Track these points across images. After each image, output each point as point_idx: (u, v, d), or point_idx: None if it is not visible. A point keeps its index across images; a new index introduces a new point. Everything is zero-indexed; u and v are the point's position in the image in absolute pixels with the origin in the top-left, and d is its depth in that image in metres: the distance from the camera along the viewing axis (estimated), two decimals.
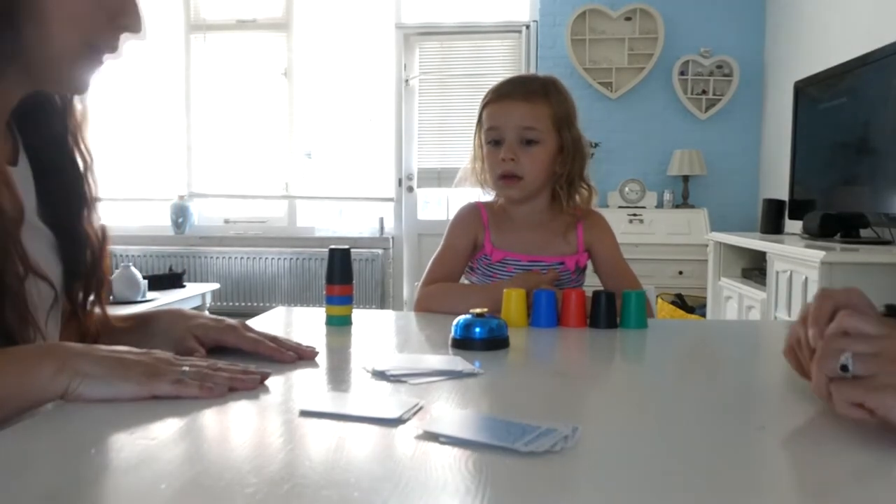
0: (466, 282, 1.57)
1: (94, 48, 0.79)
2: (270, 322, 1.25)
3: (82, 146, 0.91)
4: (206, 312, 3.43)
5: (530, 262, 1.50)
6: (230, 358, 0.89)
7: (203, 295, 4.40)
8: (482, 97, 1.56)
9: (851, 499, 0.55)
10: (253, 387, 0.79)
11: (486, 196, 1.60)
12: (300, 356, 0.95)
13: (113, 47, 0.81)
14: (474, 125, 1.57)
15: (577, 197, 1.55)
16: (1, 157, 0.79)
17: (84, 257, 0.91)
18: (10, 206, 0.76)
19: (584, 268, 1.56)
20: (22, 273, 0.77)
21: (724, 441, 0.67)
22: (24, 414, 0.70)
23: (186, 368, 0.77)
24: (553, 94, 1.53)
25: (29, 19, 0.74)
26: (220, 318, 1.00)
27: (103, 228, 0.94)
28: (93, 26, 0.78)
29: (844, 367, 0.64)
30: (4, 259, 0.75)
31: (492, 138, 1.52)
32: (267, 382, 0.82)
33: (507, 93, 1.53)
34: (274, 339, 0.97)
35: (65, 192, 0.89)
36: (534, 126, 1.49)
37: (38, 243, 0.84)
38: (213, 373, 0.78)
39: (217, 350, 0.95)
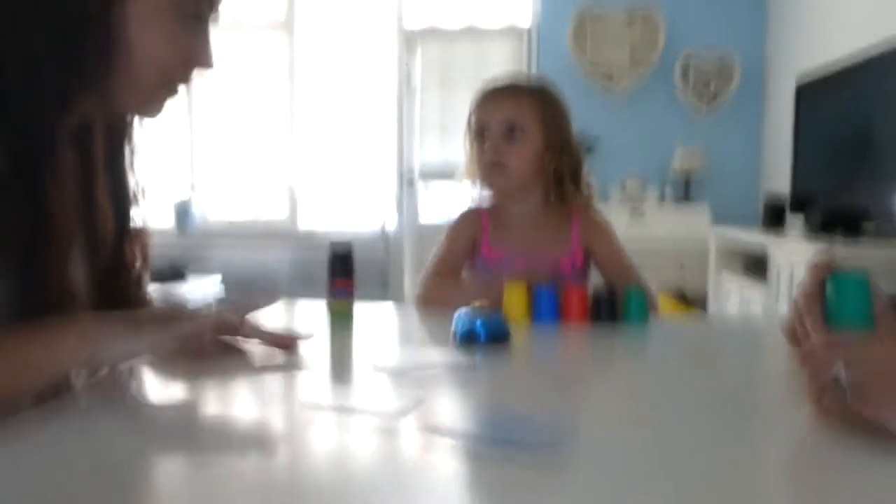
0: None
1: (171, 81, 0.86)
2: (273, 316, 1.26)
3: (137, 172, 0.95)
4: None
5: (526, 262, 1.49)
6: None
7: (206, 293, 4.41)
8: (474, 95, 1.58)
9: (854, 498, 0.55)
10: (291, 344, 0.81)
11: (486, 201, 1.60)
12: (280, 345, 0.95)
13: (186, 80, 0.88)
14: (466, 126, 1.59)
15: (574, 197, 1.54)
16: (67, 184, 0.81)
17: (119, 283, 0.94)
18: (66, 235, 0.80)
19: (582, 268, 1.55)
20: (61, 300, 0.80)
21: (724, 437, 0.68)
22: (50, 384, 0.72)
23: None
24: (539, 92, 1.54)
25: (118, 54, 0.79)
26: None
27: (144, 250, 0.97)
28: (172, 62, 0.84)
29: (837, 380, 0.64)
30: (45, 285, 0.78)
31: (478, 134, 1.53)
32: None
33: (493, 92, 1.55)
34: (258, 331, 0.96)
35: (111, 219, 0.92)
36: (517, 120, 1.49)
37: (75, 265, 0.86)
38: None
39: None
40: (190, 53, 0.85)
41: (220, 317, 0.79)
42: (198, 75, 0.88)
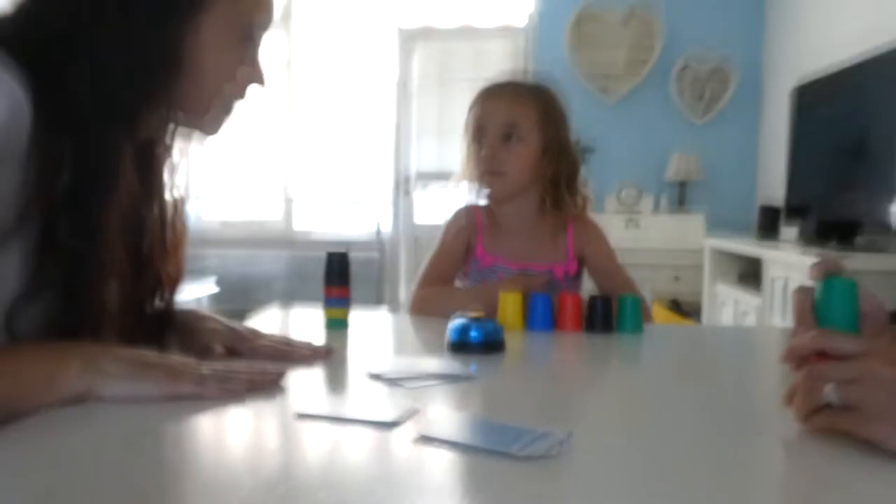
0: (460, 284, 1.57)
1: (231, 100, 0.92)
2: (266, 322, 1.25)
3: (177, 189, 0.96)
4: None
5: (519, 270, 1.49)
6: (244, 357, 0.90)
7: (199, 297, 4.40)
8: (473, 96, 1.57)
9: None
10: (271, 386, 0.81)
11: (482, 200, 1.59)
12: (315, 355, 0.97)
13: (243, 96, 0.93)
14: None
15: (569, 204, 1.54)
16: (124, 203, 0.83)
17: (152, 298, 0.94)
18: (114, 254, 0.81)
19: (576, 276, 1.55)
20: (96, 318, 0.81)
21: (718, 447, 0.68)
22: (43, 410, 0.71)
23: (206, 371, 0.79)
24: (539, 95, 1.52)
25: (189, 76, 0.83)
26: (231, 324, 1.01)
27: (179, 266, 0.97)
28: (236, 82, 0.90)
29: (829, 403, 0.64)
30: (84, 303, 0.79)
31: (476, 136, 1.52)
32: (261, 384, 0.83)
33: (493, 92, 1.53)
34: (287, 342, 0.99)
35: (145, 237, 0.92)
36: (516, 122, 1.48)
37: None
38: (232, 374, 0.80)
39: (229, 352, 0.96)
40: (248, 72, 0.90)
41: (227, 378, 0.79)
42: (251, 94, 0.93)
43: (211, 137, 0.93)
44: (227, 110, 0.92)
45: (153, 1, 0.80)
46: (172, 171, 0.96)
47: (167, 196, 0.95)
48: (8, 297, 0.73)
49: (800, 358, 0.70)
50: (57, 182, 0.75)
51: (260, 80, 0.93)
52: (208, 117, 0.90)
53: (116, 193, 0.80)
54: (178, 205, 0.96)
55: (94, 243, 0.78)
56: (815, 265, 0.74)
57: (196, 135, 0.93)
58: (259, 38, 0.91)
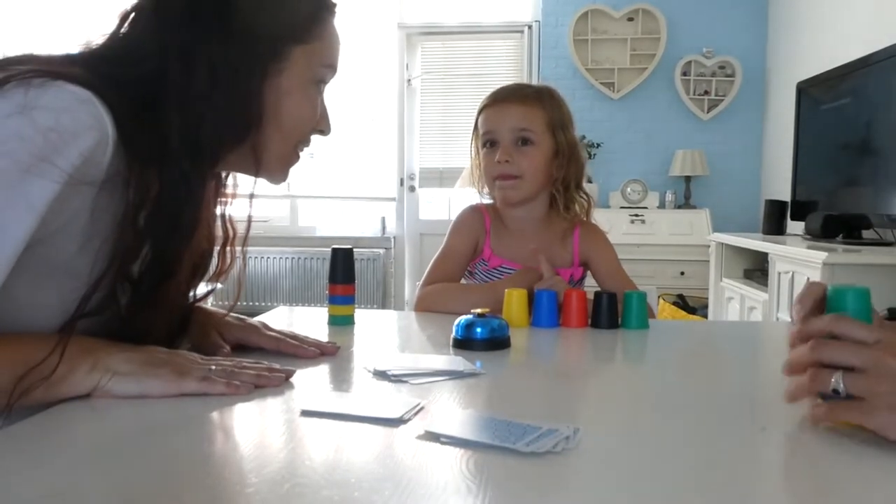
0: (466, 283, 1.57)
1: (301, 145, 0.95)
2: (273, 322, 1.25)
3: (227, 219, 0.98)
4: None
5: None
6: (253, 356, 0.90)
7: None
8: (480, 102, 1.56)
9: (852, 500, 0.55)
10: (278, 384, 0.82)
11: (487, 199, 1.59)
12: (322, 352, 0.98)
13: (308, 144, 0.96)
14: (471, 132, 1.58)
15: (576, 206, 1.54)
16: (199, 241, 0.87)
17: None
18: (172, 286, 0.84)
19: (579, 281, 1.55)
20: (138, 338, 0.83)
21: (725, 442, 0.67)
22: (42, 406, 0.72)
23: (213, 367, 0.79)
24: (547, 98, 1.53)
25: (269, 123, 0.87)
26: (241, 316, 1.03)
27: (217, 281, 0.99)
28: (309, 128, 0.93)
29: (836, 392, 0.64)
30: (132, 326, 0.82)
31: (487, 141, 1.52)
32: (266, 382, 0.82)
33: (502, 97, 1.53)
34: (294, 336, 1.00)
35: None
36: (528, 127, 1.49)
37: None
38: (239, 371, 0.81)
39: (239, 348, 0.97)
40: (318, 118, 0.93)
41: (234, 375, 0.80)
42: (315, 140, 0.96)
43: (278, 186, 0.96)
44: (297, 158, 0.95)
45: (237, 52, 0.82)
46: (225, 199, 0.98)
47: (222, 222, 0.97)
48: (55, 313, 0.74)
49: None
50: (140, 215, 0.76)
51: (326, 129, 0.96)
52: (282, 166, 0.93)
53: (197, 232, 0.84)
54: (236, 229, 0.99)
55: (166, 278, 0.81)
56: (810, 285, 0.74)
57: (263, 181, 0.94)
58: (326, 84, 0.94)
